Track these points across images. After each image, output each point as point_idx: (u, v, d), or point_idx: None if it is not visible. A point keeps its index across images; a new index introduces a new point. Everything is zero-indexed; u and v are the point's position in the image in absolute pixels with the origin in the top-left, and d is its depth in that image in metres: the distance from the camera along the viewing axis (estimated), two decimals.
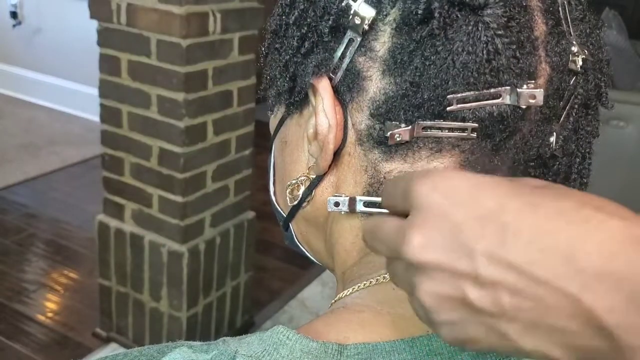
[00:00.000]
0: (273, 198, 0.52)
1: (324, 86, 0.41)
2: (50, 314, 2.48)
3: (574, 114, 0.44)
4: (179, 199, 1.92)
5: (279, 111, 0.48)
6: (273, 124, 0.50)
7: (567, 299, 0.27)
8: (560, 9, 0.42)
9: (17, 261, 2.80)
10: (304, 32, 0.42)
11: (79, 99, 4.47)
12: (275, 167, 0.52)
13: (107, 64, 1.94)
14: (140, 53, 1.84)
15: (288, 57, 0.43)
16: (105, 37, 1.91)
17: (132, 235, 2.06)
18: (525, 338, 0.29)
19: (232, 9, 1.87)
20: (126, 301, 2.16)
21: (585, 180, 0.47)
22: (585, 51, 0.43)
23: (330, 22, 0.41)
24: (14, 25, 4.70)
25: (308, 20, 0.42)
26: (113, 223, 2.10)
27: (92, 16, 1.91)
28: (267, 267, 2.80)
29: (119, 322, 2.22)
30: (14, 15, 4.67)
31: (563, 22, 0.42)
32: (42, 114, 4.54)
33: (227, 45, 1.90)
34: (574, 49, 0.42)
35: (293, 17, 0.43)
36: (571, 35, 0.42)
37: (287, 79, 0.44)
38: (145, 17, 1.79)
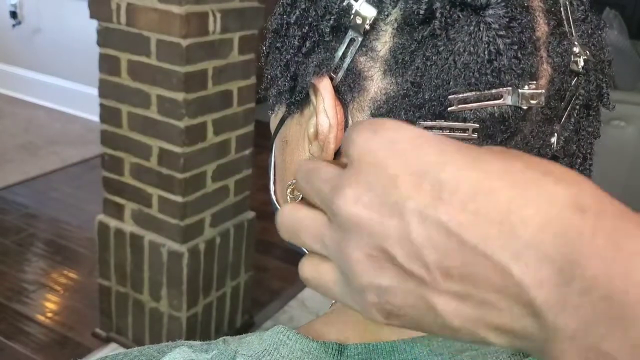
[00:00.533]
0: (273, 197, 0.52)
1: (324, 86, 0.41)
2: (50, 314, 2.48)
3: (575, 115, 0.44)
4: (178, 199, 1.92)
5: (280, 111, 0.48)
6: (274, 123, 0.50)
7: (496, 268, 0.25)
8: (562, 9, 0.42)
9: (17, 261, 2.80)
10: (305, 31, 0.42)
11: (79, 99, 4.48)
12: (275, 167, 0.51)
13: (107, 64, 1.94)
14: (140, 53, 1.84)
15: (289, 56, 0.43)
16: (105, 37, 1.91)
17: (132, 235, 2.06)
18: (453, 313, 0.27)
19: (232, 9, 1.87)
20: (126, 301, 2.16)
21: None
22: (587, 52, 0.42)
23: (331, 22, 0.41)
24: (13, 25, 4.70)
25: (309, 19, 0.42)
26: (113, 223, 2.10)
27: (92, 16, 1.91)
28: (267, 267, 2.80)
29: (119, 322, 2.22)
30: (13, 15, 4.67)
31: (565, 23, 0.42)
32: (42, 114, 4.54)
33: (227, 45, 1.90)
34: (576, 49, 0.42)
35: (294, 17, 0.43)
36: (573, 35, 0.42)
37: (288, 78, 0.44)
38: (145, 17, 1.79)
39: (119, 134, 1.99)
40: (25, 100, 4.76)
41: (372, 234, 0.28)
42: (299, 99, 0.44)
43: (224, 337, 0.40)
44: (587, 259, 0.24)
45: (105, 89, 1.97)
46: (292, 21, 0.43)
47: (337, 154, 0.43)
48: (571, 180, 0.26)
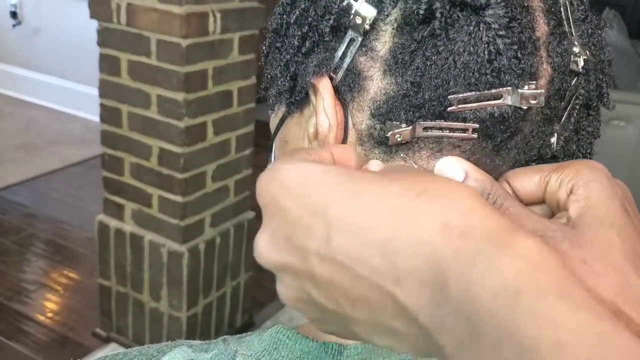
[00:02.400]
0: None
1: (324, 86, 0.41)
2: (50, 314, 2.48)
3: (575, 115, 0.44)
4: (179, 199, 1.92)
5: (280, 110, 0.48)
6: (273, 123, 0.50)
7: (386, 296, 0.26)
8: (562, 9, 0.42)
9: (17, 261, 2.80)
10: (305, 31, 0.42)
11: (79, 99, 4.47)
12: None
13: (107, 64, 1.94)
14: (140, 53, 1.84)
15: (289, 56, 0.43)
16: (105, 37, 1.91)
17: (132, 235, 2.06)
18: (375, 338, 0.28)
19: (232, 9, 1.87)
20: (126, 301, 2.16)
21: None
22: (587, 52, 0.42)
23: (331, 22, 0.41)
24: (13, 25, 4.70)
25: (309, 19, 0.42)
26: (113, 223, 2.10)
27: (92, 16, 1.91)
28: None
29: (119, 322, 2.22)
30: (13, 15, 4.67)
31: (565, 23, 0.42)
32: (42, 114, 4.54)
33: (227, 45, 1.90)
34: (576, 49, 0.41)
35: (294, 16, 0.43)
36: (573, 35, 0.42)
37: (288, 78, 0.44)
38: (145, 17, 1.79)
39: (119, 134, 1.99)
40: (25, 100, 4.75)
41: (289, 278, 0.31)
42: (299, 98, 0.44)
43: (224, 337, 0.40)
44: (452, 280, 0.25)
45: (105, 89, 1.97)
46: (292, 21, 0.43)
47: None
48: (445, 197, 0.27)
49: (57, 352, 2.26)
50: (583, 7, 0.44)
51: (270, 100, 0.48)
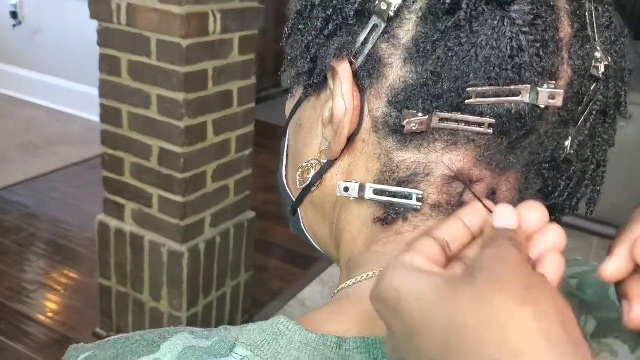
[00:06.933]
0: (284, 181, 0.52)
1: (344, 69, 0.41)
2: (50, 314, 2.48)
3: (591, 120, 0.43)
4: (179, 199, 1.93)
5: (297, 93, 0.48)
6: (289, 106, 0.50)
7: None
8: (587, 13, 0.42)
9: (17, 261, 2.80)
10: (329, 14, 0.42)
11: (79, 99, 4.47)
12: (288, 150, 0.52)
13: (107, 64, 1.94)
14: (140, 53, 1.84)
15: (311, 38, 0.43)
16: (105, 37, 1.91)
17: (132, 235, 2.06)
18: None
19: (232, 9, 1.87)
20: (126, 301, 2.16)
21: (598, 188, 0.47)
22: (609, 58, 0.42)
23: (356, 5, 0.41)
24: (14, 25, 4.70)
25: (334, 2, 0.42)
26: (113, 223, 2.10)
27: (92, 16, 1.91)
28: (267, 267, 2.80)
29: (119, 322, 2.22)
30: (14, 15, 4.67)
31: (589, 27, 0.42)
32: (42, 114, 4.54)
33: (227, 45, 1.90)
34: (598, 54, 0.41)
35: None
36: (596, 41, 0.42)
37: (308, 60, 0.44)
38: (145, 17, 1.79)
39: (119, 134, 1.99)
40: (25, 100, 4.76)
41: None
42: (317, 81, 0.44)
43: (226, 326, 0.41)
44: None
45: (105, 89, 1.97)
46: (316, 3, 0.43)
47: (350, 140, 0.43)
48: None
49: (57, 352, 2.26)
50: (608, 14, 0.44)
51: (289, 81, 0.48)
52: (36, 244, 2.96)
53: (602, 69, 0.41)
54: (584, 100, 0.42)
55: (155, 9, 1.76)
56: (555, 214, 0.46)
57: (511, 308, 0.27)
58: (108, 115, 2.00)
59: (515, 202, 0.43)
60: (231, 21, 1.87)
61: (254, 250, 2.31)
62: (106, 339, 0.42)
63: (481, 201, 0.36)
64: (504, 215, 0.34)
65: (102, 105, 2.00)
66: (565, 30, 0.40)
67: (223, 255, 2.14)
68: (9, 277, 2.67)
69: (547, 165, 0.43)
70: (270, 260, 2.86)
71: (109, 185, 2.08)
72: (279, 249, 2.90)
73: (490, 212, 0.34)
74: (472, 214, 0.35)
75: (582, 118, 0.43)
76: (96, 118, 2.17)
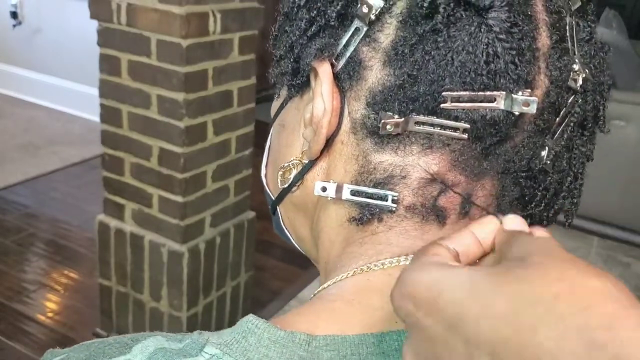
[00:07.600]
0: (264, 180, 0.53)
1: (324, 70, 0.42)
2: (50, 314, 2.48)
3: (568, 132, 0.44)
4: (179, 199, 1.93)
5: (282, 94, 0.49)
6: (274, 107, 0.51)
7: None
8: (567, 27, 0.42)
9: (17, 261, 2.80)
10: (313, 15, 0.43)
11: (79, 99, 4.48)
12: (270, 150, 0.52)
13: (107, 64, 1.94)
14: (140, 53, 1.85)
15: (295, 38, 0.44)
16: (105, 37, 1.91)
17: (132, 235, 2.06)
18: None
19: (232, 9, 1.87)
20: (126, 301, 2.16)
21: (575, 200, 0.47)
22: (587, 71, 0.43)
23: (338, 8, 0.41)
24: (14, 25, 4.70)
25: (318, 4, 0.43)
26: (113, 223, 2.10)
27: (92, 16, 1.91)
28: (267, 267, 2.81)
29: (119, 322, 2.22)
30: (14, 15, 4.67)
31: (568, 40, 0.42)
32: (42, 114, 4.54)
33: (227, 45, 1.90)
34: (576, 67, 0.42)
35: (304, 0, 0.44)
36: (575, 54, 0.42)
37: (292, 60, 0.45)
38: (145, 17, 1.79)
39: (119, 134, 1.99)
40: (25, 100, 4.76)
41: None
42: (300, 82, 0.45)
43: (201, 331, 0.41)
44: None
45: (105, 89, 1.98)
46: (302, 4, 0.44)
47: (330, 141, 0.44)
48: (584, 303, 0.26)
49: None
50: (589, 29, 0.44)
51: (274, 81, 0.49)
52: (36, 244, 2.96)
53: (580, 82, 0.42)
54: (562, 112, 0.43)
55: (155, 9, 1.76)
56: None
57: (590, 279, 0.26)
58: (108, 115, 2.00)
59: (493, 208, 0.43)
60: (231, 21, 1.87)
61: (254, 250, 2.31)
62: (81, 343, 0.42)
63: (486, 210, 0.36)
64: (515, 220, 0.34)
65: (102, 105, 2.00)
66: (543, 40, 0.40)
67: (223, 255, 2.14)
68: (9, 277, 2.67)
69: (524, 174, 0.44)
70: (270, 260, 2.86)
71: (109, 185, 2.08)
72: (279, 248, 2.90)
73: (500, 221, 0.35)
74: (483, 227, 0.35)
75: (560, 129, 0.43)
76: (96, 118, 2.17)
